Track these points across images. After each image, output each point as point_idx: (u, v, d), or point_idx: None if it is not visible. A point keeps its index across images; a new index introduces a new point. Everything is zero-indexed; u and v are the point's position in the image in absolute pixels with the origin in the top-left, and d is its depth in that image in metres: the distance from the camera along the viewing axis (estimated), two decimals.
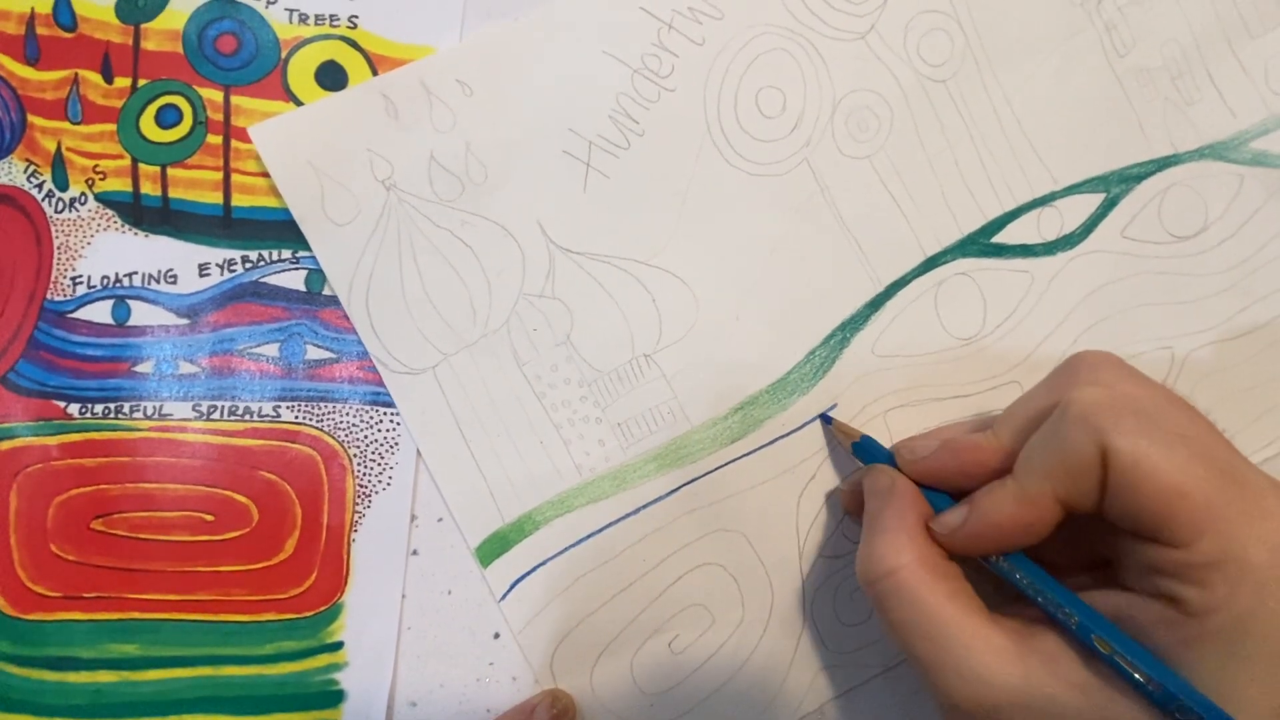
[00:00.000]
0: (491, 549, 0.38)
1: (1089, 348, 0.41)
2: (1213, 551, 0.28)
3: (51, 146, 0.38)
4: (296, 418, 0.38)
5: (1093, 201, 0.42)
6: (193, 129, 0.38)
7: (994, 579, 0.33)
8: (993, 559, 0.32)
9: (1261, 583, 0.27)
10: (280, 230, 0.38)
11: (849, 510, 0.39)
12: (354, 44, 0.39)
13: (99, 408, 0.38)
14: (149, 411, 0.38)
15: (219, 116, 0.38)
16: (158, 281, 0.38)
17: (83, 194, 0.38)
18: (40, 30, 0.38)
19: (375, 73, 0.39)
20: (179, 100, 0.38)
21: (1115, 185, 0.42)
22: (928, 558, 0.32)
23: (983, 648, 0.30)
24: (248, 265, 0.39)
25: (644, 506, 0.39)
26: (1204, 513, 0.28)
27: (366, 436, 0.39)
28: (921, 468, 0.35)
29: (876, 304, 0.40)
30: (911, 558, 0.32)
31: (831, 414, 0.40)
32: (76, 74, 0.38)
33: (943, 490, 0.34)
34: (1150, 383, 0.32)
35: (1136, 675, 0.28)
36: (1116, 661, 0.28)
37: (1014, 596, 0.32)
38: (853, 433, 0.38)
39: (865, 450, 0.37)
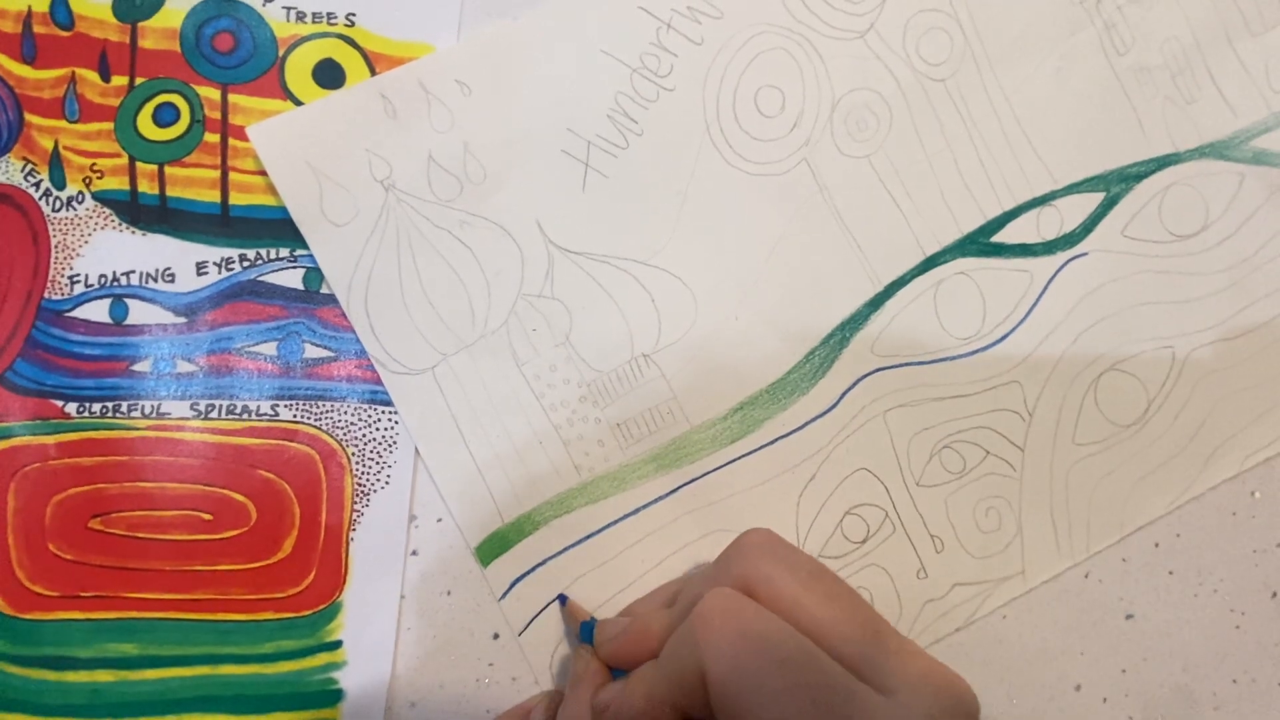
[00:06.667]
0: (491, 549, 0.38)
1: (1089, 347, 0.41)
2: None
3: (49, 145, 0.38)
4: (294, 416, 0.38)
5: (1092, 200, 0.42)
6: (190, 127, 0.38)
7: None
8: None
9: None
10: (278, 229, 0.38)
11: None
12: (351, 42, 0.39)
13: (96, 407, 0.38)
14: (147, 410, 0.38)
15: (216, 115, 0.38)
16: (155, 280, 0.38)
17: (80, 193, 0.38)
18: (37, 29, 0.38)
19: (373, 71, 0.39)
20: (176, 99, 0.38)
21: (1115, 184, 0.42)
22: None
23: None
24: (245, 264, 0.38)
25: (643, 507, 0.39)
26: None
27: (365, 435, 0.38)
28: (606, 652, 0.34)
29: (876, 303, 0.40)
30: None
31: (567, 594, 0.39)
32: (74, 72, 0.38)
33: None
34: (794, 568, 0.31)
35: None
36: None
37: None
38: (581, 614, 0.38)
39: (587, 633, 0.36)
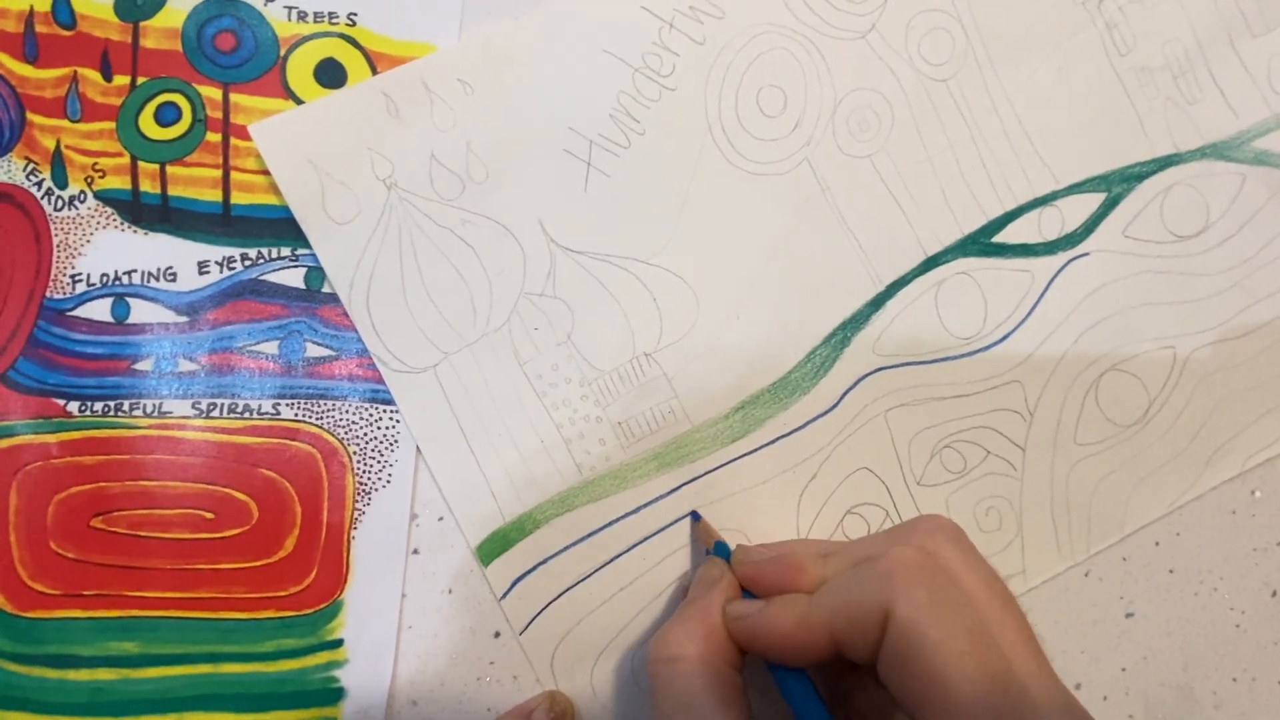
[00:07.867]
0: (492, 548, 0.38)
1: (1090, 347, 0.41)
2: None
3: (50, 144, 0.38)
4: (296, 415, 0.38)
5: (1094, 201, 0.42)
6: (192, 127, 0.38)
7: None
8: (774, 666, 0.33)
9: None
10: (279, 228, 0.38)
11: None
12: (353, 41, 0.39)
13: (98, 405, 0.38)
14: (148, 409, 0.38)
15: (218, 114, 0.38)
16: (157, 279, 0.38)
17: (82, 192, 0.38)
18: (39, 28, 0.38)
19: (374, 70, 0.39)
20: (178, 98, 0.38)
21: (1116, 184, 0.42)
22: (712, 658, 0.32)
23: None
24: (247, 263, 0.38)
25: (644, 506, 0.39)
26: (960, 713, 0.27)
27: (366, 434, 0.38)
28: (746, 571, 0.35)
29: (877, 303, 0.40)
30: (697, 652, 0.32)
31: (700, 512, 0.39)
32: (75, 72, 0.38)
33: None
34: (978, 565, 0.32)
35: None
36: None
37: None
38: (715, 534, 0.38)
39: (720, 553, 0.37)
